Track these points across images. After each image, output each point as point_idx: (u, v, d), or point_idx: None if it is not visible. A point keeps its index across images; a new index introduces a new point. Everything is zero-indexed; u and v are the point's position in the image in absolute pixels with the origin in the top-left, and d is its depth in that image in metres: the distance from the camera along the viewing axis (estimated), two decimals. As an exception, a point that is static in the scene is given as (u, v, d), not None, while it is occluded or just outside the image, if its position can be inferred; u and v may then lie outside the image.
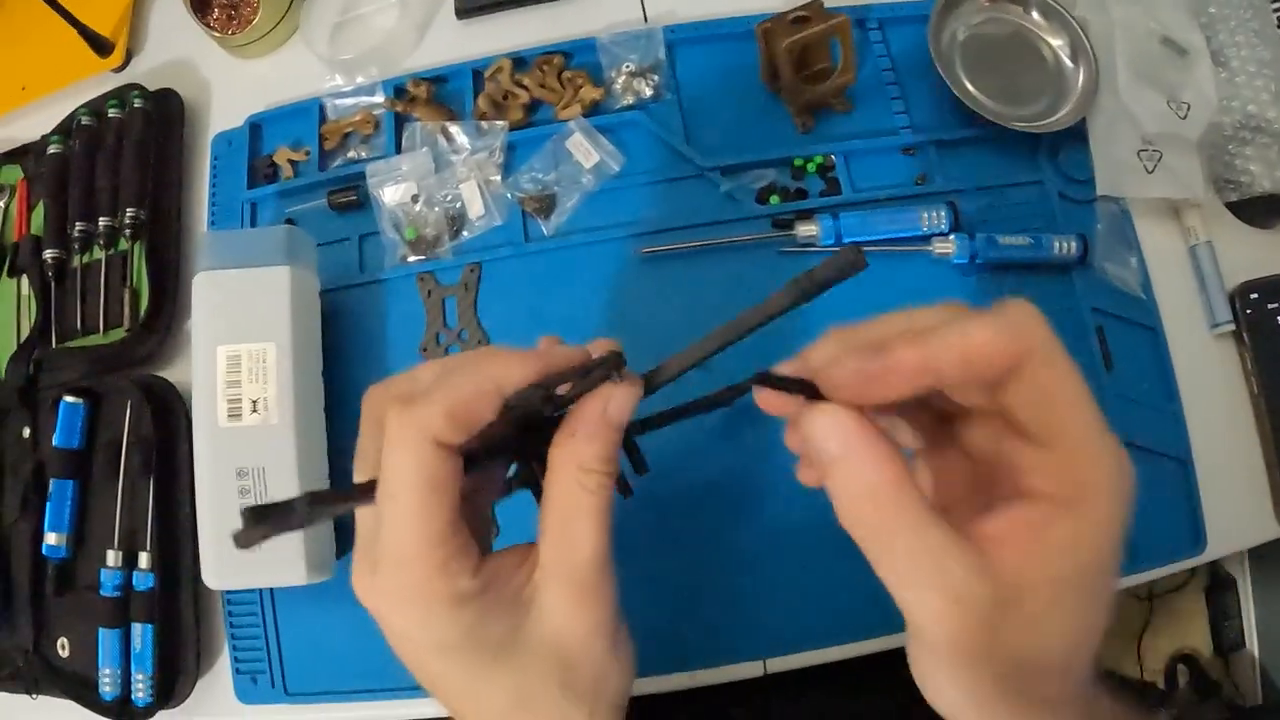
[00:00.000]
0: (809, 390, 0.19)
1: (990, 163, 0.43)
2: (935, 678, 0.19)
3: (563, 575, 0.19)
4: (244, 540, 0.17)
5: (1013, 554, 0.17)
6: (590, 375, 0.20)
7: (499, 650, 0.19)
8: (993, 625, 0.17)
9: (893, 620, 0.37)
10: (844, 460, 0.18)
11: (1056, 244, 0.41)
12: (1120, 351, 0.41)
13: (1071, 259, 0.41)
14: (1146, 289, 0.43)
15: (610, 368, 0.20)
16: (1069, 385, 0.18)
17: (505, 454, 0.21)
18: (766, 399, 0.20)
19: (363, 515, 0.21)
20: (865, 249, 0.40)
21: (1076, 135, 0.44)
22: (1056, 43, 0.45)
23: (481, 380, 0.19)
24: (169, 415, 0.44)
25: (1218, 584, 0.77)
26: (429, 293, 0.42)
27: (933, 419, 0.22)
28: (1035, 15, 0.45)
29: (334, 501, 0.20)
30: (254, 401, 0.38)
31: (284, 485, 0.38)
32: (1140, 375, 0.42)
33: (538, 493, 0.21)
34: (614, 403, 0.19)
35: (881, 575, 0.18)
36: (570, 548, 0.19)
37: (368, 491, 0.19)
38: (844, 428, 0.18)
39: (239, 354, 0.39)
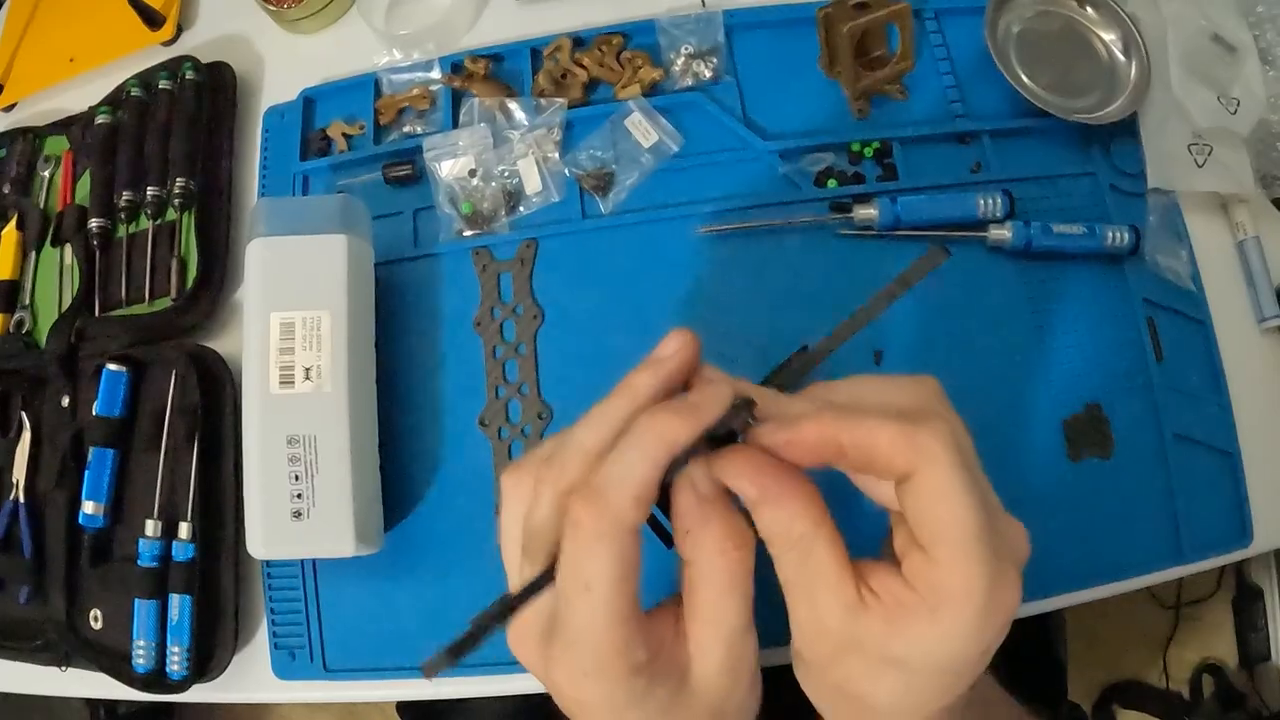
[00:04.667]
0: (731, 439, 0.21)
1: (1044, 153, 0.44)
2: (799, 677, 0.22)
3: (714, 647, 0.20)
4: (432, 670, 0.19)
5: (878, 614, 0.19)
6: (729, 423, 0.20)
7: (665, 708, 0.21)
8: (837, 653, 0.20)
9: None
10: (762, 506, 0.20)
11: (1110, 234, 0.41)
12: (1170, 344, 0.41)
13: (1124, 249, 0.42)
14: (1196, 281, 0.43)
15: (747, 412, 0.20)
16: (950, 503, 0.19)
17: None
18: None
19: (525, 574, 0.22)
20: (920, 234, 0.41)
21: (1128, 128, 0.44)
22: (1109, 37, 0.45)
23: (657, 453, 0.19)
24: (214, 385, 0.43)
25: (1245, 594, 0.77)
26: (484, 267, 0.42)
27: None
28: (1088, 10, 0.46)
29: (521, 604, 0.21)
30: (307, 369, 0.38)
31: (335, 454, 0.37)
32: (1189, 368, 0.42)
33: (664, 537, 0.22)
34: (700, 484, 0.20)
35: (781, 580, 0.21)
36: (717, 624, 0.20)
37: (549, 580, 0.20)
38: (757, 478, 0.20)
39: (293, 321, 0.38)
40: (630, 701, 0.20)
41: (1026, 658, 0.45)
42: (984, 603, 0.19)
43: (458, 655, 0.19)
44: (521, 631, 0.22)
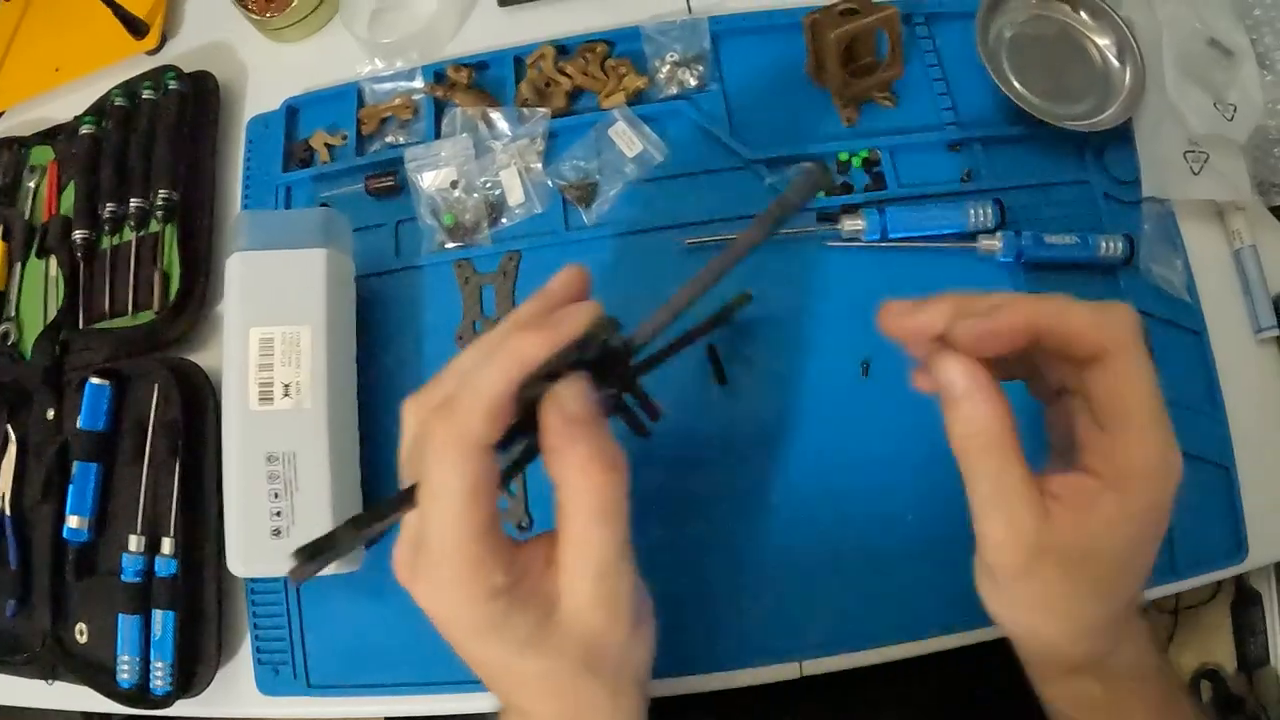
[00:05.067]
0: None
1: (1036, 161, 0.43)
2: (989, 593, 0.23)
3: (582, 577, 0.20)
4: (299, 575, 0.18)
5: (1065, 513, 0.20)
6: (586, 349, 0.20)
7: (529, 639, 0.20)
8: (1032, 559, 0.20)
9: (931, 625, 0.37)
10: (966, 399, 0.20)
11: (1103, 244, 0.41)
12: (1164, 354, 0.41)
13: (1117, 259, 0.41)
14: (1191, 292, 0.42)
15: (612, 331, 0.21)
16: (1138, 382, 0.20)
17: (524, 435, 0.22)
18: (900, 328, 0.22)
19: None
20: (911, 245, 0.41)
21: (1122, 135, 0.43)
22: (1103, 42, 0.45)
23: (509, 369, 0.19)
24: (197, 399, 0.43)
25: (1244, 599, 0.76)
26: (466, 280, 0.41)
27: (1042, 389, 0.25)
28: (1082, 14, 0.45)
29: (375, 520, 0.21)
30: (286, 385, 0.38)
31: (315, 471, 0.37)
32: (1184, 379, 0.41)
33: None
34: (569, 400, 0.20)
35: (970, 498, 0.21)
36: (584, 553, 0.20)
37: (408, 499, 0.20)
38: (970, 373, 0.21)
39: (272, 336, 0.38)
40: (488, 625, 0.20)
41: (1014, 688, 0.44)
42: (1170, 470, 0.21)
43: (311, 557, 0.19)
44: (398, 551, 0.21)
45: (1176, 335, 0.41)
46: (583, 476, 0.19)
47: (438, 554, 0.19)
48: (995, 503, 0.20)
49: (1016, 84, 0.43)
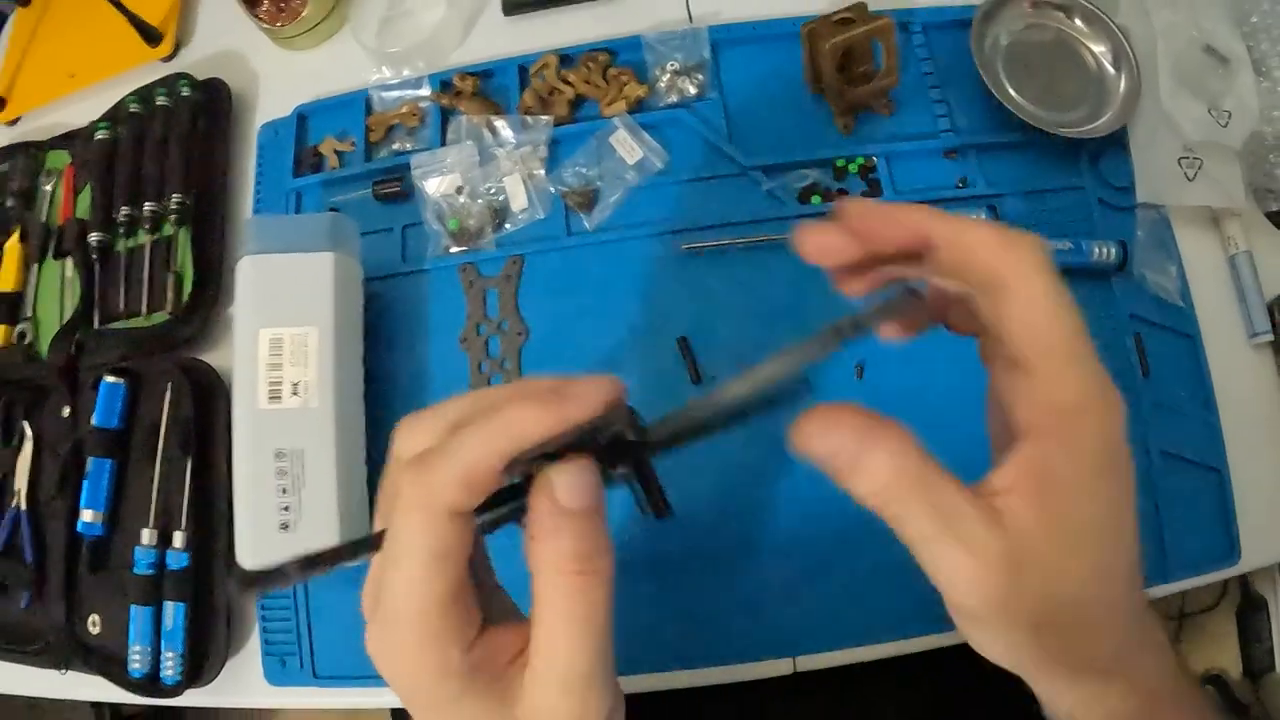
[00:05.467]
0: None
1: (1031, 168, 0.44)
2: (975, 637, 0.20)
3: (547, 685, 0.18)
4: (238, 595, 0.17)
5: (1019, 503, 0.18)
6: (598, 433, 0.18)
7: None
8: (1012, 577, 0.18)
9: (927, 621, 0.38)
10: (855, 459, 0.18)
11: (1096, 249, 0.42)
12: (1158, 359, 0.42)
13: (1111, 265, 0.42)
14: (1185, 297, 0.43)
15: (633, 420, 0.18)
16: (1050, 311, 0.18)
17: (515, 497, 0.19)
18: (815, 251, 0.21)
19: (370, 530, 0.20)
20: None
21: (1117, 142, 0.44)
22: (1099, 49, 0.46)
23: (498, 441, 0.17)
24: (208, 397, 0.45)
25: (1249, 605, 0.77)
26: (470, 283, 0.43)
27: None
28: (1078, 22, 0.46)
29: (329, 562, 0.19)
30: (295, 384, 0.39)
31: (322, 467, 0.39)
32: (1177, 383, 0.42)
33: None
34: (563, 489, 0.17)
35: (913, 548, 0.19)
36: (553, 662, 0.18)
37: (370, 545, 0.19)
38: (840, 427, 0.18)
39: (281, 337, 0.40)
40: (436, 703, 0.18)
41: (1002, 687, 0.45)
42: (1109, 402, 0.18)
43: (251, 584, 0.18)
44: (365, 586, 0.20)
45: (1171, 340, 0.42)
46: (560, 578, 0.17)
47: (393, 615, 0.18)
48: (942, 533, 0.18)
49: (1012, 91, 0.44)
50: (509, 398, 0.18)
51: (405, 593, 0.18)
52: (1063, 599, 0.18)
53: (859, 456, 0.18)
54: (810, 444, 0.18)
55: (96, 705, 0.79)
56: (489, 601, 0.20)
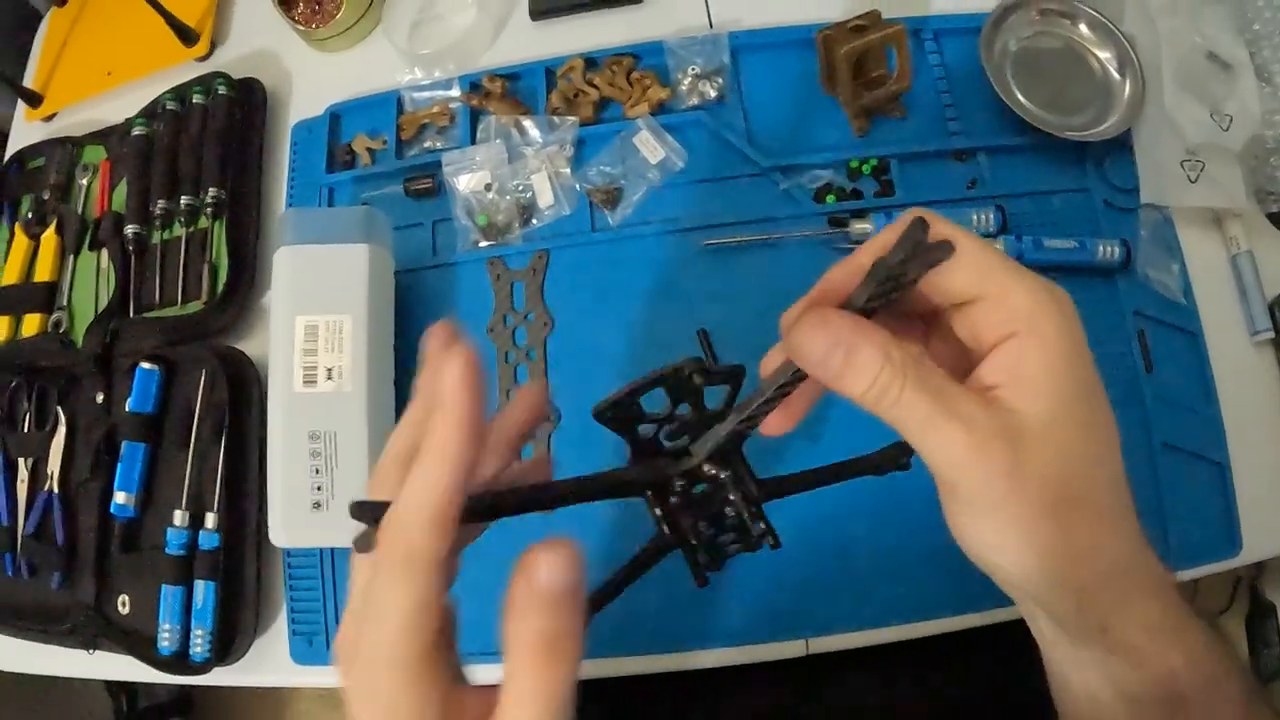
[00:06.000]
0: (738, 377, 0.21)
1: (1038, 170, 0.46)
2: (976, 525, 0.20)
3: None
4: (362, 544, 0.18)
5: (1005, 391, 0.19)
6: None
7: None
8: (1008, 451, 0.19)
9: (942, 604, 0.39)
10: (846, 362, 0.19)
11: (1100, 248, 0.44)
12: (1161, 355, 0.44)
13: (1114, 263, 0.44)
14: (1188, 295, 0.45)
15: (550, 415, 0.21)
16: (977, 246, 0.20)
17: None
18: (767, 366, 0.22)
19: (356, 574, 0.21)
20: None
21: (1122, 145, 0.46)
22: (1105, 55, 0.48)
23: (442, 479, 0.18)
24: (242, 384, 0.47)
25: (1258, 612, 0.78)
26: (498, 276, 0.45)
27: (921, 332, 0.24)
28: (1084, 29, 0.48)
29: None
30: (329, 369, 0.42)
31: (354, 450, 0.41)
32: (1180, 378, 0.44)
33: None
34: (542, 573, 0.17)
35: (907, 435, 0.20)
36: None
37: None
38: (827, 332, 0.19)
39: (316, 324, 0.42)
40: None
41: (1018, 666, 0.47)
42: (1058, 298, 0.20)
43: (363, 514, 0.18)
44: (338, 644, 0.20)
45: (1174, 336, 0.44)
46: (528, 655, 0.17)
47: (370, 667, 0.18)
48: (937, 412, 0.19)
49: (1020, 96, 0.46)
50: (439, 428, 0.18)
51: (385, 647, 0.18)
52: (1061, 475, 0.19)
53: (850, 355, 0.19)
54: (802, 348, 0.20)
55: (114, 696, 0.81)
56: (456, 662, 0.20)
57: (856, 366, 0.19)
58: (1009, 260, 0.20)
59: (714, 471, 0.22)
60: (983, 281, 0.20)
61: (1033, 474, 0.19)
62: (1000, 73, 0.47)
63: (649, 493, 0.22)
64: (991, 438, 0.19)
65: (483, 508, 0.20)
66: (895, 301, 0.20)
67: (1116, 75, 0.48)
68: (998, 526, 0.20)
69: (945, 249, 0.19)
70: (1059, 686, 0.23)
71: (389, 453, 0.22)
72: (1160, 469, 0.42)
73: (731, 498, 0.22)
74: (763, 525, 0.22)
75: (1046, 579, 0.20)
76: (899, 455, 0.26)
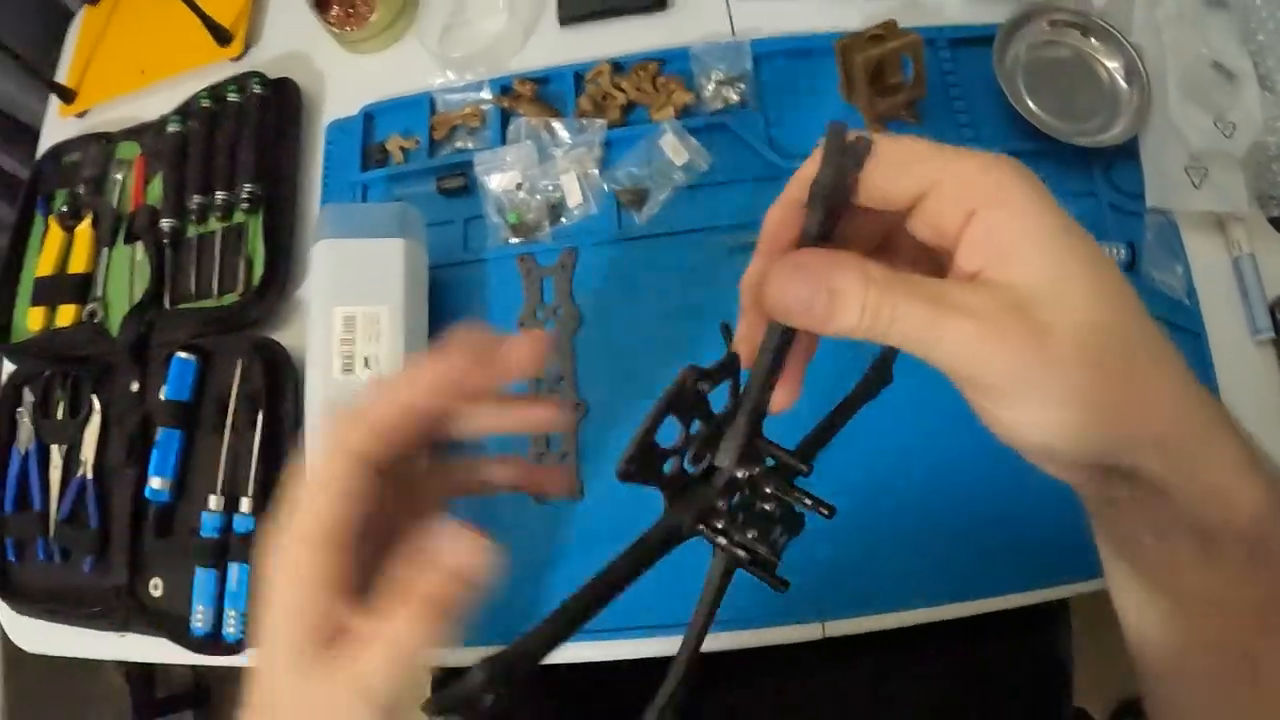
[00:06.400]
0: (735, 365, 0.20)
1: (1047, 175, 0.46)
2: (1016, 415, 0.18)
3: (380, 650, 0.19)
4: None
5: (992, 266, 0.18)
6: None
7: (317, 669, 0.19)
8: (1021, 322, 0.17)
9: (958, 588, 0.41)
10: (831, 299, 0.18)
11: (1106, 250, 0.46)
12: (1166, 355, 0.46)
13: (1120, 265, 0.46)
14: (1191, 296, 0.47)
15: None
16: (907, 143, 0.19)
17: None
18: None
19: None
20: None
21: (1128, 151, 0.49)
22: (1112, 65, 0.51)
23: (398, 394, 0.21)
24: (277, 372, 0.49)
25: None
26: (528, 272, 0.47)
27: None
28: (1093, 39, 0.51)
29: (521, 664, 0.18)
30: (366, 358, 0.44)
31: (390, 438, 0.43)
32: (1185, 378, 0.46)
33: None
34: (465, 548, 0.19)
35: (912, 349, 0.18)
36: (395, 633, 0.19)
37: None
38: (802, 275, 0.18)
39: (354, 315, 0.44)
40: (290, 629, 0.19)
41: (1028, 652, 0.48)
42: (1010, 162, 0.19)
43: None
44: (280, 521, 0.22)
45: (1176, 336, 0.46)
46: (407, 609, 0.19)
47: (284, 536, 0.20)
48: (937, 315, 0.17)
49: (1030, 104, 0.49)
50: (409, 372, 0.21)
51: (308, 516, 0.20)
52: (1091, 326, 0.17)
53: (831, 290, 0.18)
54: (780, 301, 0.19)
55: (132, 685, 0.83)
56: (364, 585, 0.20)
57: (842, 298, 0.18)
58: (942, 144, 0.19)
59: (748, 473, 0.21)
60: (922, 171, 0.19)
61: (1060, 335, 0.17)
62: (1012, 81, 0.49)
63: (701, 527, 0.21)
64: (1001, 315, 0.17)
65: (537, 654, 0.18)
66: (842, 217, 0.19)
67: (1124, 84, 0.50)
68: (1044, 403, 0.18)
69: (866, 142, 0.19)
70: (1115, 553, 0.21)
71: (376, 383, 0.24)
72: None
73: (768, 490, 0.21)
74: (808, 501, 0.21)
75: (1119, 438, 0.18)
76: (882, 370, 0.25)
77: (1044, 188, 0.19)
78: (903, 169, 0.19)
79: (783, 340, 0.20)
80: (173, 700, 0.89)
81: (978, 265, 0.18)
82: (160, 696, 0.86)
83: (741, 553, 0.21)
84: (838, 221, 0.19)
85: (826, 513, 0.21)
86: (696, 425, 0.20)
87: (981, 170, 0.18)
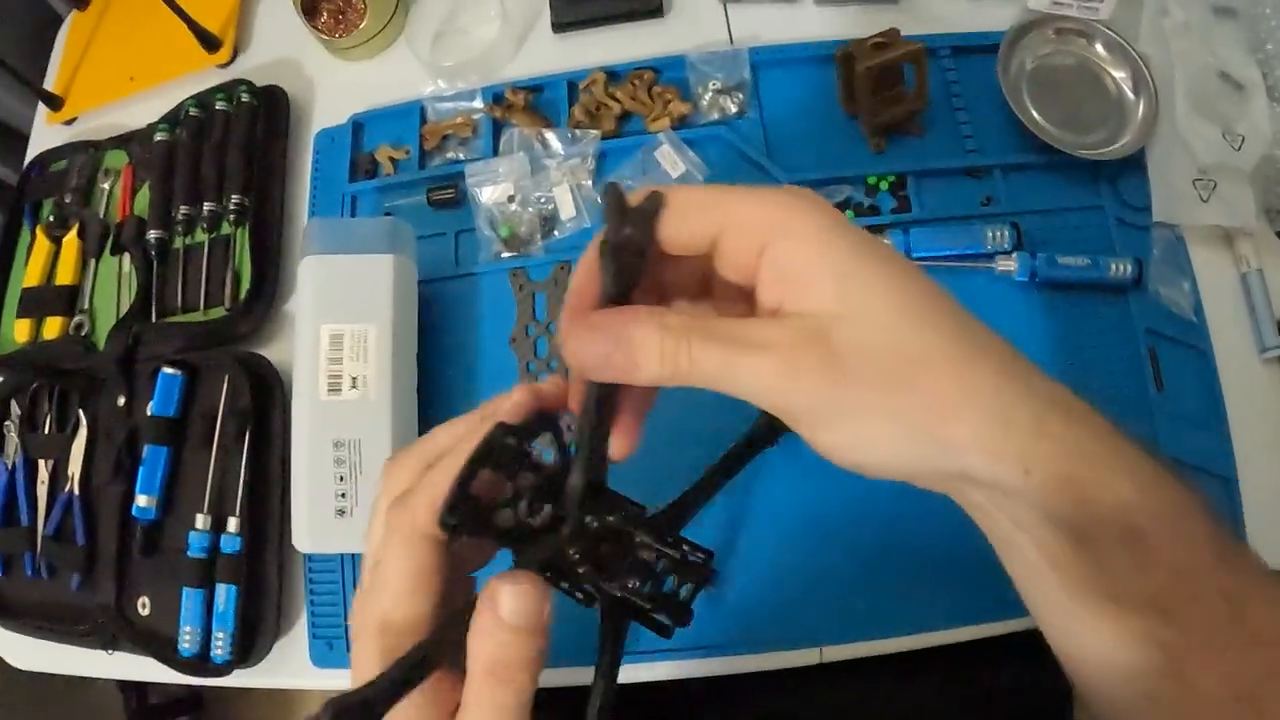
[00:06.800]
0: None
1: (1052, 187, 0.48)
2: (837, 439, 0.19)
3: None
4: None
5: (788, 298, 0.19)
6: (504, 450, 0.20)
7: None
8: (817, 348, 0.18)
9: (955, 614, 0.41)
10: (629, 352, 0.19)
11: (1113, 266, 0.45)
12: (1171, 372, 0.45)
13: (1126, 280, 0.45)
14: (1198, 313, 0.46)
15: (512, 436, 0.20)
16: (676, 193, 0.19)
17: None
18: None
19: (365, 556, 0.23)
20: (932, 264, 0.46)
21: (1135, 163, 0.48)
22: (1119, 75, 0.49)
23: (460, 468, 0.20)
24: (265, 389, 0.48)
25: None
26: (520, 287, 0.47)
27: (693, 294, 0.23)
28: (1100, 48, 0.50)
29: (399, 688, 0.19)
30: (354, 378, 0.43)
31: (378, 457, 0.42)
32: (1189, 395, 0.45)
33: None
34: (506, 606, 0.19)
35: (723, 390, 0.19)
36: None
37: (420, 666, 0.19)
38: (597, 333, 0.19)
39: (341, 333, 0.43)
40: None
41: (1027, 676, 0.48)
42: (792, 192, 0.19)
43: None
44: (352, 617, 0.22)
45: (1183, 353, 0.45)
46: (483, 675, 0.19)
47: (366, 627, 0.20)
48: (733, 354, 0.18)
49: (1035, 114, 0.48)
50: (463, 428, 0.21)
51: (379, 604, 0.20)
52: (890, 344, 0.18)
53: (628, 344, 0.18)
54: (581, 360, 0.19)
55: (125, 693, 0.83)
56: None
57: (638, 351, 0.18)
58: (727, 186, 0.20)
59: (599, 522, 0.21)
60: (712, 215, 0.19)
61: (856, 357, 0.18)
62: (1016, 91, 0.48)
63: (547, 576, 0.21)
64: (796, 346, 0.18)
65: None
66: (643, 272, 0.19)
67: (1131, 95, 0.49)
68: (848, 424, 0.18)
69: (656, 198, 0.19)
70: (1007, 560, 0.21)
71: (419, 445, 0.23)
72: (1171, 485, 0.43)
73: (640, 539, 0.21)
74: (688, 550, 0.22)
75: (935, 448, 0.18)
76: (766, 426, 0.25)
77: (835, 212, 0.19)
78: (692, 216, 0.19)
79: (601, 392, 0.20)
80: (167, 707, 0.88)
81: (777, 299, 0.19)
82: (154, 703, 0.86)
83: (610, 607, 0.22)
84: (639, 275, 0.20)
85: (703, 557, 0.21)
86: (529, 476, 0.21)
87: (766, 205, 0.19)
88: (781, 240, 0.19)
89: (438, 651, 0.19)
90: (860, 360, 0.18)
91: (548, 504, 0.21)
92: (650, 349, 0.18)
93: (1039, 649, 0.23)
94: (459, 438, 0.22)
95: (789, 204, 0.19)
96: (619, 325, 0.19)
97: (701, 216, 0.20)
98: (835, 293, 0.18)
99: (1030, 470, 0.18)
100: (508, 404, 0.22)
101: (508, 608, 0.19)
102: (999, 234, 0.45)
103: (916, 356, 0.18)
